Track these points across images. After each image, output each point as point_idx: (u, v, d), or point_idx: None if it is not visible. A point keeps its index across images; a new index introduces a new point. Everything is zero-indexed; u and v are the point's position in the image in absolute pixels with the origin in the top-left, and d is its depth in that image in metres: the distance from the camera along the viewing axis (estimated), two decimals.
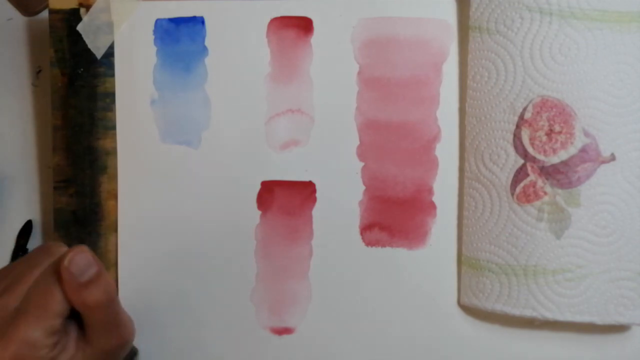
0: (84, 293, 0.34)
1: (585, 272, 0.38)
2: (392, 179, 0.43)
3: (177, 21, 0.44)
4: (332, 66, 0.43)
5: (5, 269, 0.37)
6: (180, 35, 0.44)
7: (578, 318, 0.39)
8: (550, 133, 0.39)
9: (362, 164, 0.43)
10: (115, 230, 0.44)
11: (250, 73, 0.43)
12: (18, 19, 0.48)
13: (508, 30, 0.39)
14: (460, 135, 0.43)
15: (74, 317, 0.36)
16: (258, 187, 0.43)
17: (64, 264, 0.34)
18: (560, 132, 0.39)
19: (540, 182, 0.39)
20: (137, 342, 0.42)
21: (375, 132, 0.43)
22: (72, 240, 0.43)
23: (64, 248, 0.38)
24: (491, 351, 0.42)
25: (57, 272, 0.35)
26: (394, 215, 0.43)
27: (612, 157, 0.38)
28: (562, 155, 0.39)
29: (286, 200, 0.43)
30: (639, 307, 0.39)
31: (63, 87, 0.44)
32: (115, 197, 0.44)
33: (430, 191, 0.43)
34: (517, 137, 0.39)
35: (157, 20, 0.44)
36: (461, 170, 0.43)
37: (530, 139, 0.39)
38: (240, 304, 0.43)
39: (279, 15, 0.43)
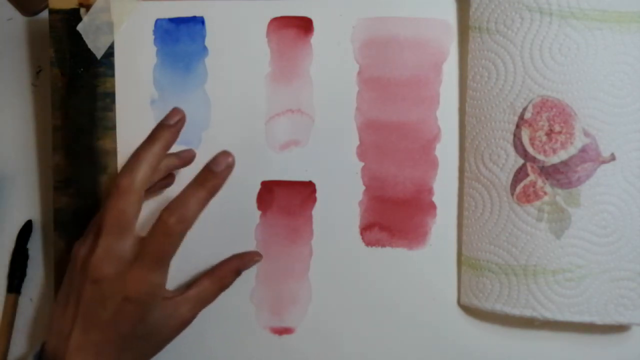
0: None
1: (585, 272, 0.38)
2: (392, 179, 0.43)
3: (177, 21, 0.44)
4: (332, 66, 0.43)
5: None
6: (180, 35, 0.44)
7: (578, 318, 0.39)
8: (550, 133, 0.39)
9: (362, 164, 0.43)
10: None
11: (250, 73, 0.43)
12: (18, 19, 0.48)
13: (508, 30, 0.39)
14: (460, 135, 0.43)
15: None
16: (258, 187, 0.43)
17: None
18: (560, 132, 0.39)
19: (540, 182, 0.39)
20: None
21: (375, 132, 0.43)
22: (72, 240, 0.43)
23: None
24: (491, 351, 0.42)
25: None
26: (394, 215, 0.43)
27: (612, 157, 0.38)
28: (562, 155, 0.39)
29: (286, 200, 0.43)
30: (639, 307, 0.39)
31: (63, 87, 0.44)
32: None
33: (430, 191, 0.43)
34: (517, 137, 0.39)
35: (157, 20, 0.44)
36: (461, 170, 0.43)
37: (530, 139, 0.39)
38: (240, 304, 0.43)
39: (279, 15, 0.43)
